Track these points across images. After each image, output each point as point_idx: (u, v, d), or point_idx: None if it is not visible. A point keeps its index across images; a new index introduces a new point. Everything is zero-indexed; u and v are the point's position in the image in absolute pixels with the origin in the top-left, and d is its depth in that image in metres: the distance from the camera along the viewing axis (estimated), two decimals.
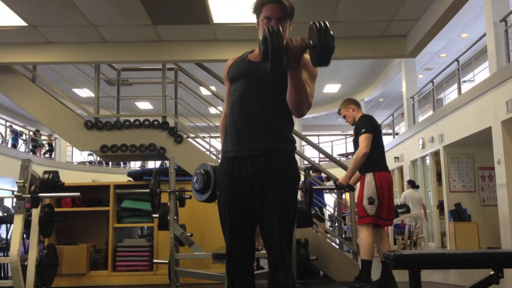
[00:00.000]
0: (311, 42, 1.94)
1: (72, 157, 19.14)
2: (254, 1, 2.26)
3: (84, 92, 11.08)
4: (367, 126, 4.20)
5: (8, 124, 15.35)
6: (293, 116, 2.26)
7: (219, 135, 2.43)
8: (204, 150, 6.63)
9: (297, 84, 2.05)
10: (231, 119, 2.24)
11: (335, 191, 6.14)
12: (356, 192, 4.59)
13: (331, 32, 1.88)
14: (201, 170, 2.45)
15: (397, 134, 15.45)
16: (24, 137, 16.16)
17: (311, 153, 16.95)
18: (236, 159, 2.20)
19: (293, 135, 2.32)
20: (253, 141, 2.17)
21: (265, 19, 2.19)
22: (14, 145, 15.39)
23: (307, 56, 2.09)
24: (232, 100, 2.26)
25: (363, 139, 4.13)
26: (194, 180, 2.43)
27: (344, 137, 20.14)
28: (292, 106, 2.14)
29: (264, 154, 2.17)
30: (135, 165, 17.96)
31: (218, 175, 2.30)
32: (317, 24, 1.90)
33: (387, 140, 15.70)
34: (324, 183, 7.57)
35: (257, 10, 2.24)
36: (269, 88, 2.21)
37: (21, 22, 5.20)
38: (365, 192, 4.15)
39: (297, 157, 2.46)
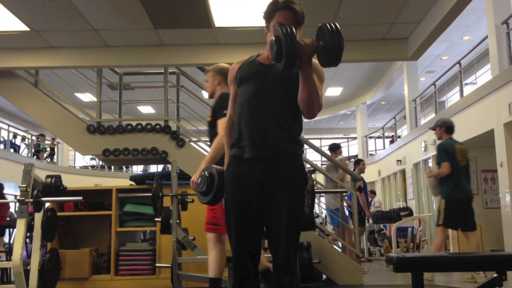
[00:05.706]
0: (320, 43, 1.98)
1: (74, 162, 19.13)
2: (267, 5, 2.22)
3: (86, 97, 11.11)
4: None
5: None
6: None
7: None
8: (206, 153, 6.62)
9: (308, 84, 2.06)
10: (240, 121, 2.21)
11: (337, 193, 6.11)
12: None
13: (341, 33, 1.95)
14: (206, 172, 2.38)
15: (399, 137, 15.42)
16: (26, 141, 16.12)
17: (313, 157, 16.92)
18: (244, 160, 2.18)
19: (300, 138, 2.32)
20: (263, 143, 2.15)
21: (278, 26, 2.14)
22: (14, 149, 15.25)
23: (315, 60, 2.11)
24: (241, 102, 2.23)
25: None
26: (198, 182, 2.40)
27: (346, 140, 20.12)
28: (304, 107, 2.14)
29: (274, 156, 2.15)
30: (138, 169, 17.97)
31: (225, 177, 2.28)
32: (328, 25, 1.95)
33: (388, 143, 15.73)
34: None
35: (269, 15, 2.21)
36: (280, 90, 2.18)
37: (23, 27, 5.21)
38: None
39: None
